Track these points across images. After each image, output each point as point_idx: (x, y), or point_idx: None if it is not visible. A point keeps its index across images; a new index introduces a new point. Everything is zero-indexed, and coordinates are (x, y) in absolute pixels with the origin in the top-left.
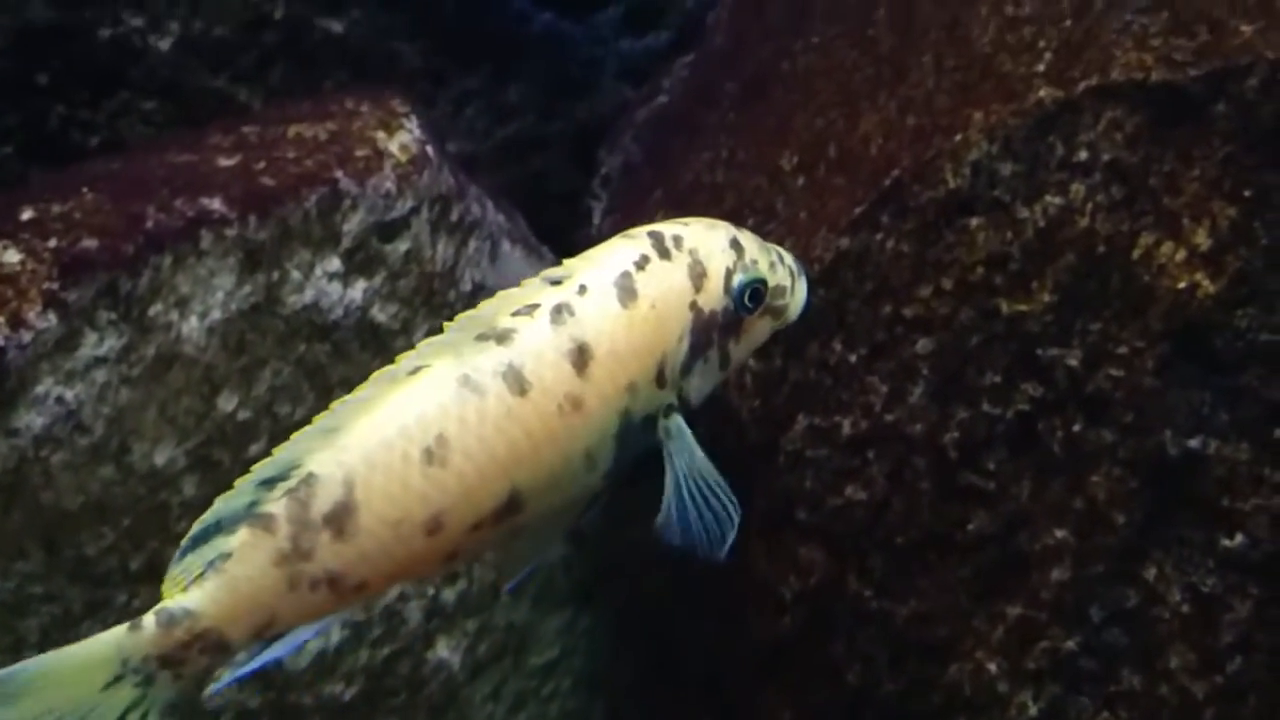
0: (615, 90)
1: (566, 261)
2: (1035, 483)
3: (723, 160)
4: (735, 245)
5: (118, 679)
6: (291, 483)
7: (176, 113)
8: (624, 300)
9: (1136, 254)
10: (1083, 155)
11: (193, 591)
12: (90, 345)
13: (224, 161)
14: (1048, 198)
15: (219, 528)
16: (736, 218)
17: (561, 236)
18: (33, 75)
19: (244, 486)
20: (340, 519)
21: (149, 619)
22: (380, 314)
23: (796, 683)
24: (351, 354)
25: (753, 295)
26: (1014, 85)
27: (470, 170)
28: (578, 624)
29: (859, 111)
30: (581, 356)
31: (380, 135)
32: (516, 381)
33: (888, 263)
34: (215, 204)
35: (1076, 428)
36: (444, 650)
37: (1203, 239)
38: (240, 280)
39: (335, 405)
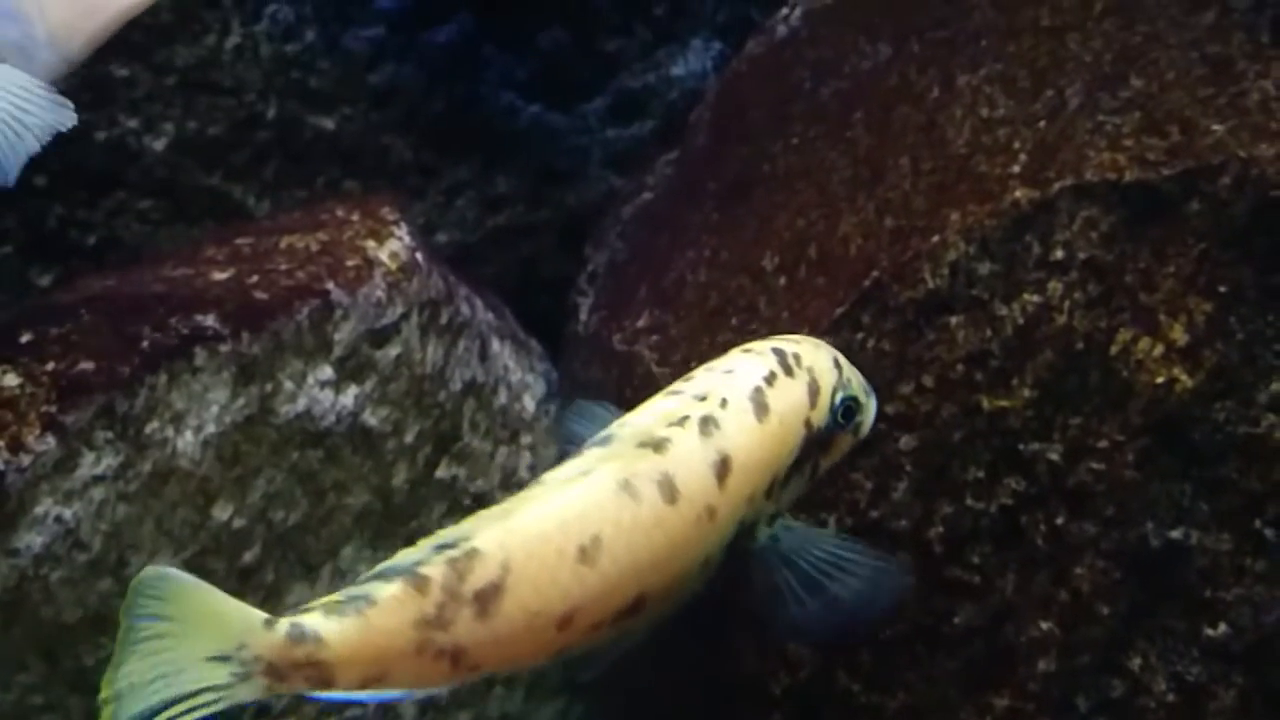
0: (601, 178)
1: (694, 373)
2: (1020, 575)
3: (705, 259)
4: (837, 364)
5: (224, 658)
6: (456, 553)
7: (172, 210)
8: (759, 415)
9: (1114, 350)
10: (1059, 254)
11: (331, 620)
12: (88, 465)
13: (218, 275)
14: (1026, 296)
15: (381, 575)
16: (720, 317)
17: (550, 324)
18: (31, 177)
19: (422, 547)
20: (488, 598)
21: (283, 625)
22: (371, 418)
23: None
24: (344, 458)
25: (846, 412)
26: (990, 186)
27: (461, 261)
28: (570, 714)
29: (839, 212)
30: (724, 468)
31: (370, 244)
32: (669, 490)
33: (869, 361)
34: (209, 320)
35: (1059, 520)
36: None
37: (1179, 334)
38: (234, 393)
39: (512, 497)
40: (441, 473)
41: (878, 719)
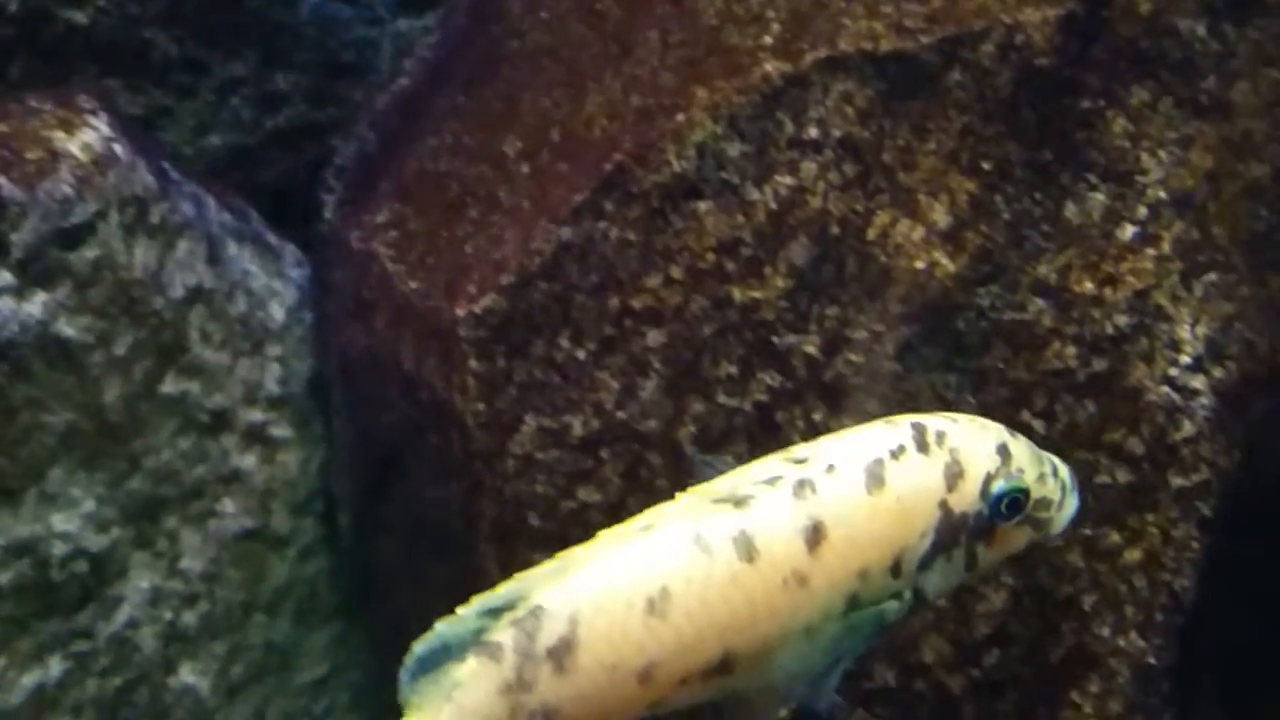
0: (393, 72)
1: (824, 438)
2: None
3: (447, 147)
4: (1003, 451)
5: None
6: (519, 613)
7: None
8: (870, 487)
9: (872, 234)
10: (813, 132)
11: (421, 716)
12: None
13: None
14: (778, 178)
15: (447, 653)
16: (459, 209)
17: None
18: None
19: (468, 614)
20: (561, 654)
21: None
22: (68, 328)
23: None
24: (36, 373)
25: (1010, 504)
26: (740, 60)
27: (238, 165)
28: (350, 638)
29: (585, 92)
30: (816, 535)
31: (58, 135)
32: (746, 548)
33: (613, 252)
34: None
35: (817, 416)
36: (189, 675)
37: (941, 216)
38: None
39: (563, 554)
40: (168, 388)
41: None
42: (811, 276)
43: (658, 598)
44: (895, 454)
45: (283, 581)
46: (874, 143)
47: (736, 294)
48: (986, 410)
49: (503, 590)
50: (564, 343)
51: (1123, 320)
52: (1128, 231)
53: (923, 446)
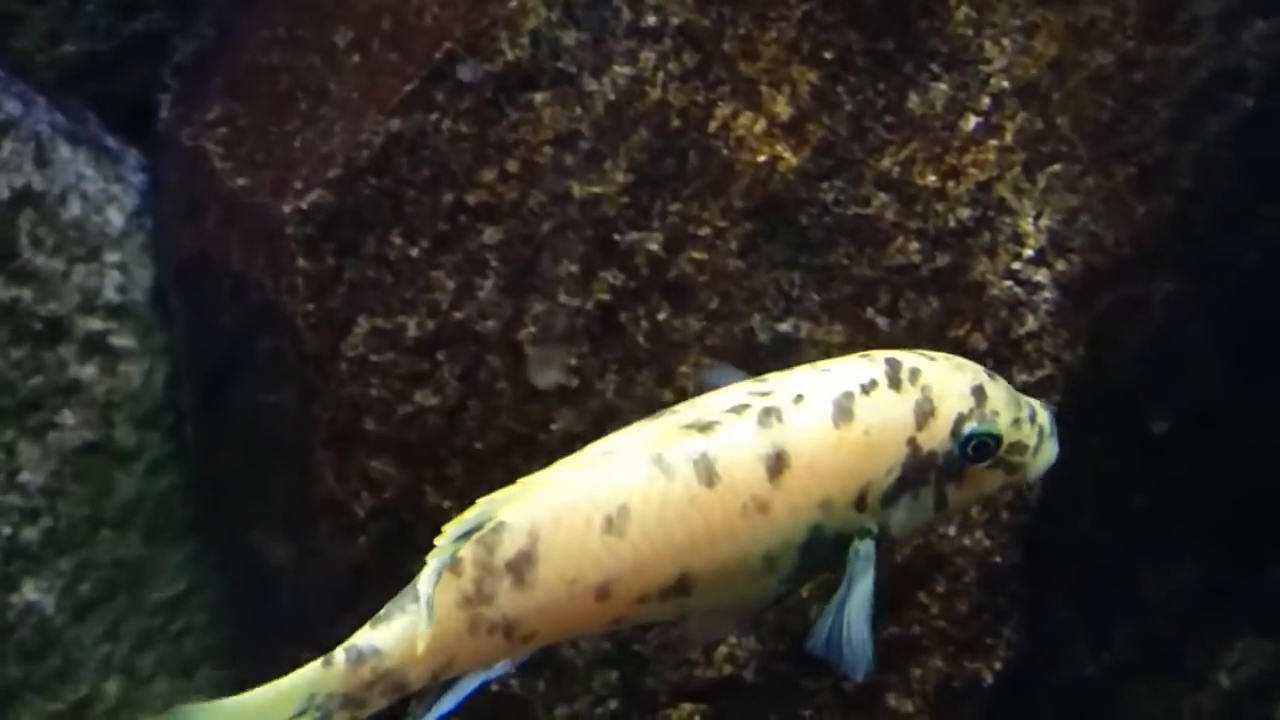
0: None
1: (798, 369)
2: (621, 377)
3: (280, 39)
4: (978, 393)
5: (300, 714)
6: (481, 530)
7: None
8: (838, 419)
9: (713, 126)
10: (651, 20)
11: (380, 630)
12: None
13: None
14: (617, 68)
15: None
16: (289, 102)
17: None
18: None
19: (444, 545)
20: (521, 567)
21: (339, 655)
22: None
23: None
24: None
25: (979, 447)
26: None
27: (94, 74)
28: (206, 556)
29: None
30: (779, 463)
31: None
32: (707, 472)
33: (445, 145)
34: None
35: (661, 316)
36: (33, 593)
37: (782, 108)
38: None
39: (524, 480)
40: None
41: None
42: (652, 171)
43: (616, 515)
44: (866, 388)
45: (130, 497)
46: (714, 31)
47: (576, 189)
48: (830, 308)
49: (470, 514)
50: (396, 240)
51: (965, 213)
52: (970, 122)
53: (895, 383)
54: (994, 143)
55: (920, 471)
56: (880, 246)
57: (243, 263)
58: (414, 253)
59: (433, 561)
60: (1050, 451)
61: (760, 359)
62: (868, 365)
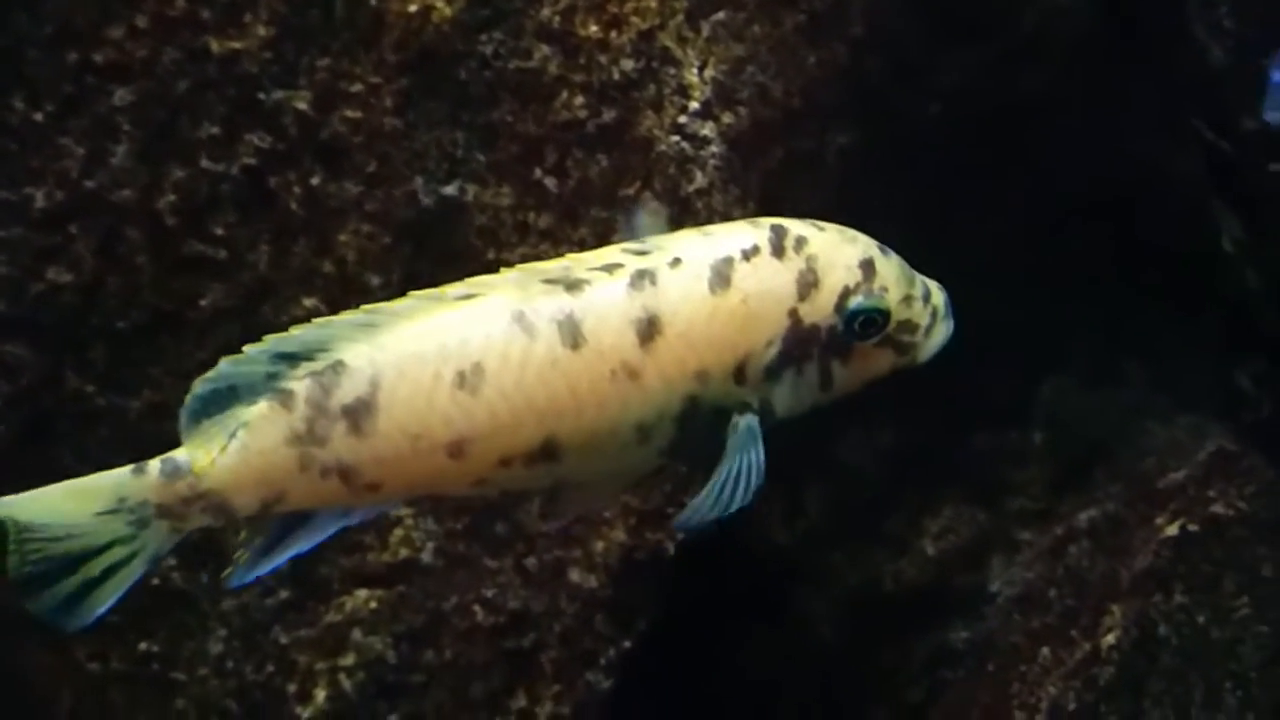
0: None
1: (680, 232)
2: (275, 247)
3: None
4: (866, 266)
5: (113, 511)
6: (317, 365)
7: None
8: (715, 285)
9: None
10: None
11: (199, 450)
12: None
13: None
14: None
15: (235, 394)
16: None
17: None
18: None
19: (256, 354)
20: (358, 415)
21: (153, 465)
22: None
23: None
24: None
25: (865, 323)
26: None
27: None
28: None
29: None
30: (650, 328)
31: None
32: (572, 333)
33: (70, 3)
34: None
35: (315, 181)
36: None
37: None
38: None
39: (372, 307)
40: None
41: (122, 423)
42: (296, 23)
43: (469, 372)
44: (747, 254)
45: None
46: None
47: (214, 45)
48: (497, 169)
49: (300, 333)
50: (18, 104)
51: (629, 65)
52: None
53: (778, 250)
54: None
55: (803, 346)
56: (544, 102)
57: None
58: (38, 117)
59: (223, 364)
60: (944, 333)
61: (425, 225)
62: (752, 231)
